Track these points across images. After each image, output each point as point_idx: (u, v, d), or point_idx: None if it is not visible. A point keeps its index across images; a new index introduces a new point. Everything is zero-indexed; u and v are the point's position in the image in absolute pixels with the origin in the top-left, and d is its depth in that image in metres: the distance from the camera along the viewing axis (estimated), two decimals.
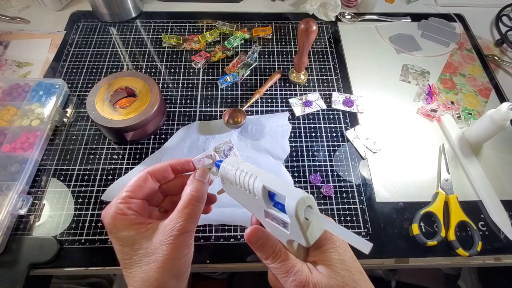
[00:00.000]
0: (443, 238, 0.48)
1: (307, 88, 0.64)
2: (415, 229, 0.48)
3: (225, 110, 0.58)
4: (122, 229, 0.32)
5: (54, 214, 0.48)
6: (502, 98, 0.64)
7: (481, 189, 0.52)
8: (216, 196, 0.40)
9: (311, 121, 0.59)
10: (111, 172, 0.52)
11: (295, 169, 0.54)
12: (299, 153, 0.55)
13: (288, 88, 0.63)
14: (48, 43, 0.68)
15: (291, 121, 0.59)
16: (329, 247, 0.30)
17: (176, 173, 0.38)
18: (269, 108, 0.61)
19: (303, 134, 0.58)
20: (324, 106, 0.61)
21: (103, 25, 0.72)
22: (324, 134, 0.58)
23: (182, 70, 0.65)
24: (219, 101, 0.61)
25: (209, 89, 0.63)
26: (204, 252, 0.46)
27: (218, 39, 0.71)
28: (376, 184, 0.53)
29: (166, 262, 0.30)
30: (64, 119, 0.57)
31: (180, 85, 0.63)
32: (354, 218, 0.49)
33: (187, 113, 0.60)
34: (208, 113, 0.60)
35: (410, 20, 0.77)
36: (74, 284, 0.73)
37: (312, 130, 0.58)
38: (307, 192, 0.51)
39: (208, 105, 0.61)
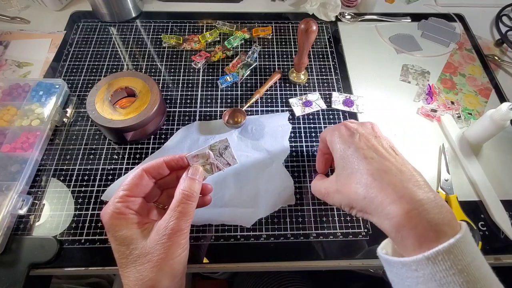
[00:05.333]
0: None
1: (307, 88, 0.64)
2: None
3: (225, 110, 0.58)
4: (120, 228, 0.32)
5: (54, 214, 0.48)
6: (502, 98, 0.64)
7: (481, 189, 0.52)
8: (211, 186, 0.40)
9: (311, 121, 0.59)
10: (111, 172, 0.52)
11: (295, 169, 0.54)
12: (299, 153, 0.55)
13: (288, 88, 0.63)
14: (48, 43, 0.68)
15: (291, 121, 0.59)
16: None
17: (171, 169, 0.38)
18: (269, 108, 0.61)
19: (303, 134, 0.58)
20: (324, 106, 0.61)
21: (103, 25, 0.72)
22: None
23: (182, 70, 0.65)
24: (219, 101, 0.61)
25: (209, 89, 0.63)
26: (204, 252, 0.46)
27: (218, 39, 0.71)
28: None
29: (160, 262, 0.30)
30: (64, 119, 0.57)
31: (180, 85, 0.63)
32: (354, 218, 0.49)
33: (187, 113, 0.59)
34: (208, 113, 0.60)
35: (410, 20, 0.77)
36: (74, 284, 0.73)
37: (312, 130, 0.58)
38: (307, 192, 0.51)
39: (208, 105, 0.61)
